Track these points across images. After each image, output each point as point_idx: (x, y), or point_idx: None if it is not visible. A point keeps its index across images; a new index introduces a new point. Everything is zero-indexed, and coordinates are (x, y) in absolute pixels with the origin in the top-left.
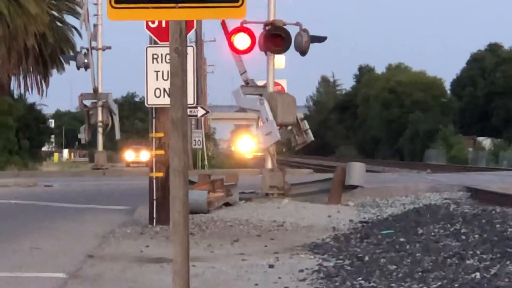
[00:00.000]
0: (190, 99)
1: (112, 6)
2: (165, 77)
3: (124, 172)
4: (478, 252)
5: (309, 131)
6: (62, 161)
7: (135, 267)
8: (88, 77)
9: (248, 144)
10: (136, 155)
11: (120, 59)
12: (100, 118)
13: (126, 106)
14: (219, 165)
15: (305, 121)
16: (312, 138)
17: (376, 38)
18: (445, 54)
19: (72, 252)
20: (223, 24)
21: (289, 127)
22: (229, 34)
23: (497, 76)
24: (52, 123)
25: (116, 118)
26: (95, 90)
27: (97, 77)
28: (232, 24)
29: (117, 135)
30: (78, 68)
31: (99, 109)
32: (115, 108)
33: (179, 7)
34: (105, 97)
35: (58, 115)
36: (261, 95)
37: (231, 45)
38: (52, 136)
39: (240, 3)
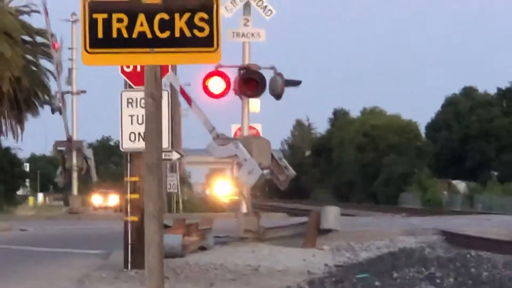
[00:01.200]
0: (165, 143)
1: (86, 51)
2: (140, 121)
3: (99, 216)
4: None
5: (289, 166)
6: (37, 205)
7: None
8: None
9: (225, 187)
10: (104, 199)
11: (95, 103)
12: (74, 162)
13: (100, 150)
14: (194, 209)
15: (283, 159)
16: (294, 173)
17: (351, 82)
18: (420, 97)
19: None
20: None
21: (267, 170)
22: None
23: (472, 120)
24: (27, 166)
25: (92, 163)
26: (69, 139)
27: (71, 122)
28: (207, 69)
29: (94, 178)
30: (53, 112)
31: (74, 154)
32: (89, 153)
33: (154, 52)
34: (79, 144)
35: (33, 159)
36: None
37: (205, 89)
38: (27, 180)
39: (215, 48)
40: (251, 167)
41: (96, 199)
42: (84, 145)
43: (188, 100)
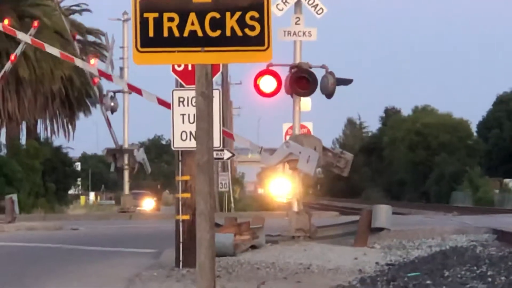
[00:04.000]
0: (217, 142)
1: (138, 51)
2: (191, 120)
3: (151, 215)
4: None
5: (345, 151)
6: (89, 204)
7: None
8: (115, 120)
9: (281, 186)
10: (137, 203)
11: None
12: (126, 162)
13: (152, 148)
14: (245, 208)
15: (336, 145)
16: (351, 155)
17: (402, 80)
18: (471, 95)
19: None
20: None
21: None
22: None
23: None
24: (78, 166)
25: (145, 161)
26: (120, 148)
27: (122, 121)
28: (258, 67)
29: (148, 170)
30: (105, 110)
31: (125, 157)
32: (140, 157)
33: (205, 51)
34: (129, 151)
35: (84, 158)
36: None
37: (257, 87)
38: (79, 179)
39: (266, 46)
40: (307, 155)
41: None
42: (135, 152)
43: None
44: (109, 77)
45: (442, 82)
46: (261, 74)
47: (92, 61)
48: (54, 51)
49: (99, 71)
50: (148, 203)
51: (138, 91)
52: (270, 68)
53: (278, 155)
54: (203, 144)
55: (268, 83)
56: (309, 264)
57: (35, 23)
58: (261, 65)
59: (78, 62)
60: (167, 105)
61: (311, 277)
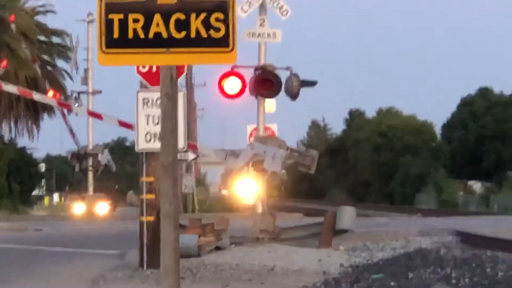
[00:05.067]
0: (181, 143)
1: (103, 52)
2: (156, 122)
3: (116, 216)
4: None
5: (309, 149)
6: (53, 205)
7: None
8: (79, 121)
9: (247, 187)
10: (89, 208)
11: (111, 103)
12: (90, 163)
13: (116, 150)
14: (209, 209)
15: (301, 146)
16: (317, 152)
17: (367, 82)
18: (436, 98)
19: None
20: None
21: (291, 161)
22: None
23: (487, 120)
24: (43, 167)
25: (110, 162)
26: (84, 154)
27: (86, 123)
28: (222, 69)
29: (113, 169)
30: (69, 112)
31: (90, 160)
32: (105, 160)
33: (170, 53)
34: (93, 155)
35: (48, 159)
36: None
37: (221, 89)
38: (43, 179)
39: (230, 48)
40: (272, 153)
41: (79, 207)
42: (99, 156)
43: None
44: (68, 107)
45: (406, 85)
46: (225, 75)
47: (50, 93)
48: (12, 89)
49: (58, 102)
50: (101, 207)
51: (99, 116)
52: (235, 69)
53: (244, 157)
54: (168, 145)
55: (232, 85)
56: (273, 265)
57: (4, 63)
58: (225, 67)
59: (36, 96)
60: (128, 126)
61: (275, 278)
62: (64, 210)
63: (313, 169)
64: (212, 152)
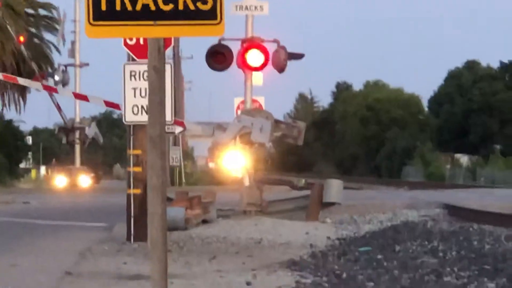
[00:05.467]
0: (168, 116)
1: (90, 24)
2: (143, 94)
3: (102, 189)
4: (455, 269)
5: (296, 120)
6: (40, 178)
7: (113, 284)
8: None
9: (235, 160)
10: (71, 180)
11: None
12: (77, 136)
13: (104, 123)
14: (197, 182)
15: (288, 119)
16: (304, 123)
17: (354, 55)
18: (423, 71)
19: (50, 269)
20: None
21: (278, 134)
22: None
23: (474, 93)
24: (29, 139)
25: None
26: (71, 127)
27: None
28: (210, 41)
29: (100, 141)
30: (56, 84)
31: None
32: (92, 133)
33: (157, 25)
34: (81, 129)
35: (35, 132)
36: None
37: (208, 62)
38: (30, 152)
39: (218, 20)
40: (260, 125)
41: (60, 180)
42: (87, 131)
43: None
44: (54, 90)
45: (394, 57)
46: (213, 48)
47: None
48: None
49: (43, 85)
50: (83, 180)
51: (85, 98)
52: (222, 42)
53: (231, 130)
54: (155, 118)
55: (219, 57)
56: (260, 238)
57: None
58: (213, 39)
59: (21, 81)
60: (114, 106)
61: (263, 251)
62: (49, 183)
63: (301, 140)
64: (199, 129)
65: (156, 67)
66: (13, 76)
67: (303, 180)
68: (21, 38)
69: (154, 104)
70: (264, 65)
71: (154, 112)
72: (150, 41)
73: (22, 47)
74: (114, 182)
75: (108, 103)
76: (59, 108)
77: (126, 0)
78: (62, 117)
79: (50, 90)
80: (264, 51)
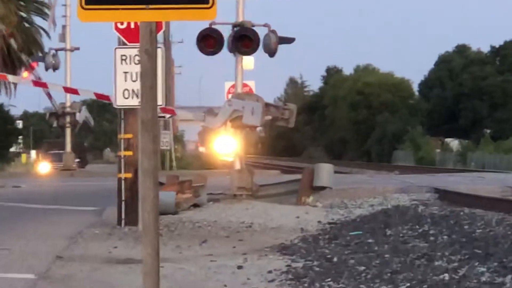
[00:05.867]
0: (159, 100)
1: (82, 8)
2: (134, 78)
3: (92, 173)
4: (446, 253)
5: (287, 103)
6: (30, 162)
7: (104, 268)
8: (57, 78)
9: (226, 144)
10: (55, 166)
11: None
12: (68, 120)
13: (94, 107)
14: (187, 167)
15: (277, 102)
16: (294, 105)
17: (344, 39)
18: (413, 55)
19: (41, 253)
20: None
21: (269, 117)
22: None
23: (465, 78)
24: (20, 124)
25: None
26: (62, 113)
27: (64, 79)
28: (201, 25)
29: (91, 124)
30: (46, 69)
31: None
32: (83, 117)
33: (150, 9)
34: (71, 114)
35: (26, 116)
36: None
37: (200, 45)
38: (20, 137)
39: (210, 4)
40: (251, 108)
41: (44, 166)
42: (78, 116)
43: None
44: (44, 85)
45: (384, 42)
46: (204, 32)
47: (25, 74)
48: None
49: (33, 81)
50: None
51: (75, 91)
52: (213, 26)
53: (223, 115)
54: (147, 101)
55: (210, 41)
56: (251, 222)
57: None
58: (203, 23)
59: (11, 78)
60: (105, 97)
61: (253, 235)
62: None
63: (292, 122)
64: (191, 115)
65: (148, 51)
66: (3, 74)
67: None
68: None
69: (146, 88)
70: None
71: (146, 96)
72: (142, 25)
73: (12, 40)
74: (104, 166)
75: (98, 95)
76: (49, 96)
77: None
78: (53, 105)
79: (40, 85)
80: (219, 35)
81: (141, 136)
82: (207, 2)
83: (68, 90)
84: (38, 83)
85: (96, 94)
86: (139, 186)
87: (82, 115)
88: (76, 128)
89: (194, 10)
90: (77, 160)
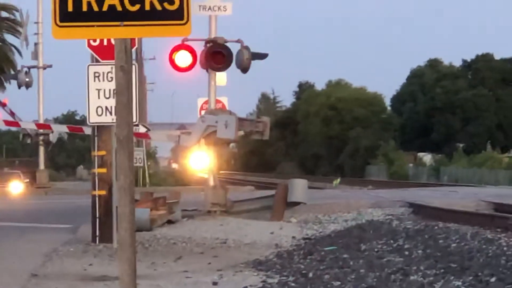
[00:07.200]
0: (133, 117)
1: (57, 25)
2: (107, 95)
3: (66, 190)
4: (421, 267)
5: (260, 116)
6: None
7: (80, 285)
8: (30, 95)
9: (201, 160)
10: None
11: (61, 77)
12: (41, 138)
13: (66, 124)
14: (161, 183)
15: (250, 116)
16: (268, 118)
17: (316, 55)
18: (385, 70)
19: (16, 271)
20: None
21: (243, 132)
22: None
23: (437, 92)
24: None
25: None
26: (35, 134)
27: (37, 97)
28: (173, 42)
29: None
30: (19, 87)
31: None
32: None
33: (124, 25)
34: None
35: None
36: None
37: (172, 62)
38: None
39: (185, 21)
40: (224, 121)
41: (15, 186)
42: (51, 138)
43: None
44: (16, 124)
45: (356, 57)
46: (176, 49)
47: None
48: None
49: (5, 121)
50: (15, 186)
51: (48, 127)
52: (186, 42)
53: (197, 132)
54: (122, 118)
55: (183, 58)
56: (226, 238)
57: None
58: (176, 40)
59: None
60: (78, 129)
61: (228, 251)
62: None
63: (267, 134)
64: (165, 137)
65: (124, 67)
66: None
67: (339, 180)
68: None
69: (122, 104)
70: (192, 65)
71: (121, 113)
72: (116, 42)
73: None
74: (77, 184)
75: (71, 128)
76: (12, 113)
77: (92, 1)
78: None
79: (12, 125)
80: (192, 51)
81: (117, 153)
82: (182, 19)
83: (41, 126)
84: (9, 122)
85: (69, 127)
86: (114, 203)
87: (55, 136)
88: (49, 147)
89: (169, 26)
90: (27, 180)
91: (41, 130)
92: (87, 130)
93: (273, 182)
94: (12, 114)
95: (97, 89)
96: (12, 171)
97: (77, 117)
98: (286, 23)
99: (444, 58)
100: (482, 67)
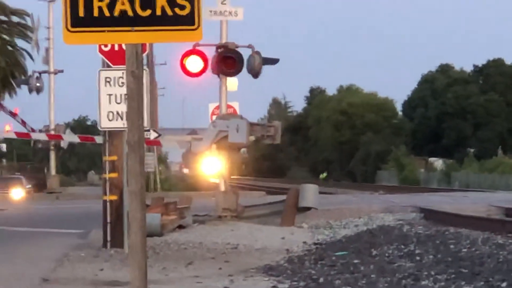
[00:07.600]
0: (144, 122)
1: (68, 30)
2: (118, 101)
3: (77, 195)
4: (432, 272)
5: (271, 120)
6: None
7: None
8: (40, 100)
9: (213, 165)
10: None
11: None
12: (53, 143)
13: (77, 129)
14: (172, 188)
15: (261, 120)
16: (279, 122)
17: (328, 60)
18: (396, 75)
19: (27, 276)
20: None
21: (254, 137)
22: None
23: (448, 97)
24: (3, 147)
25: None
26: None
27: (48, 102)
28: (184, 47)
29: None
30: (30, 92)
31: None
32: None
33: (135, 31)
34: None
35: (9, 139)
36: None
37: (183, 67)
38: (4, 160)
39: (196, 26)
40: (235, 126)
41: (16, 192)
42: (63, 144)
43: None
44: (27, 136)
45: (367, 62)
46: (187, 54)
47: (7, 127)
48: None
49: (16, 133)
50: (16, 192)
51: (59, 137)
52: (197, 48)
53: (208, 137)
54: (133, 123)
55: (194, 63)
56: (237, 244)
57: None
58: (187, 45)
59: None
60: (89, 139)
61: (239, 257)
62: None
63: (278, 138)
64: (177, 144)
65: (135, 73)
66: None
67: (325, 174)
68: None
69: (133, 109)
70: (203, 70)
71: (132, 118)
72: (127, 47)
73: None
74: (88, 189)
75: (83, 138)
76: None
77: (103, 6)
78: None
79: (24, 136)
80: (203, 56)
81: (128, 158)
82: (193, 24)
83: (52, 137)
84: (21, 134)
85: (80, 137)
86: (125, 208)
87: (66, 142)
88: (60, 152)
89: (180, 32)
90: (29, 185)
91: (52, 127)
92: (98, 139)
93: (284, 187)
94: (23, 123)
95: (108, 94)
96: (14, 176)
97: (89, 122)
98: (298, 28)
99: (455, 63)
100: (493, 72)
